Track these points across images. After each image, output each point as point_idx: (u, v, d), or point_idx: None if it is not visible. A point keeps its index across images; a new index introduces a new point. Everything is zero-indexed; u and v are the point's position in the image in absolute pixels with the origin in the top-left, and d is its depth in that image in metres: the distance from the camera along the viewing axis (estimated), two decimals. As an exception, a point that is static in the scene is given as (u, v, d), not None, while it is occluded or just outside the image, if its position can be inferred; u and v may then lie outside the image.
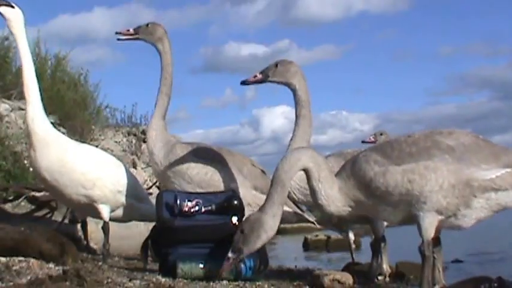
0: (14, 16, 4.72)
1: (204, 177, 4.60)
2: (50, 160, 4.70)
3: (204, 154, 4.70)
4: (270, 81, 4.38)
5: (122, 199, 4.94)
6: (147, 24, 4.90)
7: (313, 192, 3.68)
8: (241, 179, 4.65)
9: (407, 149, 3.59)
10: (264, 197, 3.85)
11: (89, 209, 4.94)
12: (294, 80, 4.32)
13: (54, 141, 4.77)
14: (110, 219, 4.92)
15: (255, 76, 4.41)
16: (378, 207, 3.69)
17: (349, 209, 3.72)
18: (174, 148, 4.72)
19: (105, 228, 4.88)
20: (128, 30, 4.93)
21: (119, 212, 5.00)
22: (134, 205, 5.04)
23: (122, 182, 4.95)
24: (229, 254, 3.60)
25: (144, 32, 4.89)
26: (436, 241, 3.77)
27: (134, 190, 5.01)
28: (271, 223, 3.57)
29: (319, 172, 3.64)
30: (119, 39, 4.96)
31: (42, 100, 4.79)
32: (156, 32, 4.86)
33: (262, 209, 3.60)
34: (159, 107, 4.82)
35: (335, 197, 3.67)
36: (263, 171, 4.83)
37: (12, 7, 4.74)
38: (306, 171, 3.67)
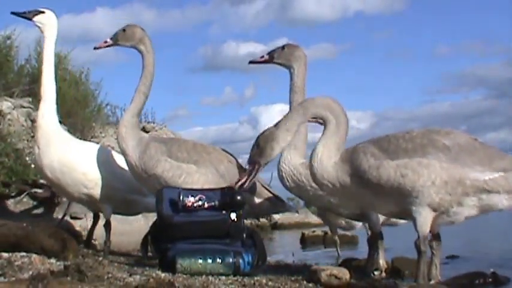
0: (47, 21, 4.95)
1: (177, 180, 4.54)
2: (51, 159, 4.75)
3: (178, 154, 4.63)
4: (275, 63, 4.62)
5: (125, 196, 4.97)
6: (124, 29, 4.79)
7: (314, 150, 3.80)
8: (217, 179, 4.60)
9: (403, 144, 3.65)
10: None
11: (92, 206, 5.00)
12: (296, 64, 4.52)
13: (57, 139, 4.82)
14: (116, 213, 4.98)
15: (262, 57, 4.67)
16: (366, 198, 3.78)
17: (331, 186, 3.79)
18: (148, 148, 4.63)
19: (107, 226, 4.92)
20: (106, 42, 4.83)
21: (124, 207, 5.05)
22: (138, 200, 5.08)
23: (125, 180, 4.96)
24: (247, 166, 3.87)
25: (122, 38, 4.78)
26: (436, 237, 3.84)
27: (137, 186, 5.03)
28: (283, 136, 3.76)
29: (331, 136, 3.75)
30: (95, 48, 4.88)
31: (39, 95, 4.90)
32: (135, 35, 4.76)
33: (276, 124, 3.77)
34: (135, 104, 4.73)
35: (326, 169, 3.74)
36: (241, 167, 4.77)
37: (43, 12, 4.92)
38: (324, 122, 3.78)
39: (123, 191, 4.96)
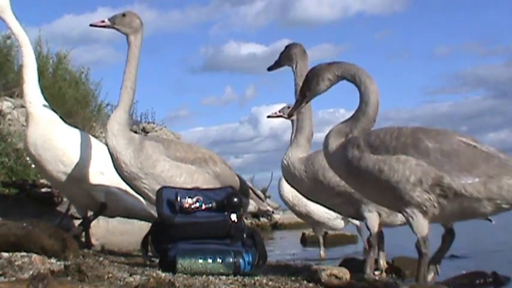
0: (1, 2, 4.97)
1: (177, 179, 4.54)
2: (35, 136, 4.90)
3: (176, 154, 4.63)
4: (282, 65, 4.89)
5: (107, 187, 5.00)
6: (123, 14, 4.71)
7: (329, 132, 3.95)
8: (213, 179, 4.66)
9: (388, 141, 3.65)
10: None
11: (82, 196, 5.03)
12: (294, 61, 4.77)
13: (44, 119, 4.96)
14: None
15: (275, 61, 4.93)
16: (358, 189, 3.89)
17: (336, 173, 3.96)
18: (144, 147, 4.57)
19: (100, 209, 5.04)
20: (103, 21, 4.75)
21: (108, 202, 5.06)
22: (118, 196, 5.09)
23: (105, 168, 4.99)
24: (299, 97, 4.05)
25: (120, 22, 4.70)
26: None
27: (118, 180, 4.96)
28: (328, 75, 3.89)
29: (354, 118, 3.84)
30: (92, 25, 4.79)
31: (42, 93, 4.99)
32: (132, 23, 4.69)
33: (331, 63, 3.91)
34: (123, 101, 4.66)
35: (331, 155, 3.85)
36: (233, 172, 4.93)
37: None
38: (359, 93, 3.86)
39: (102, 179, 4.99)
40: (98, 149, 5.08)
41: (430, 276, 3.87)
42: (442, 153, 3.57)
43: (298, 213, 6.93)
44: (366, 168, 3.63)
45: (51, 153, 4.90)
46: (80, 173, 4.92)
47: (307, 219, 6.94)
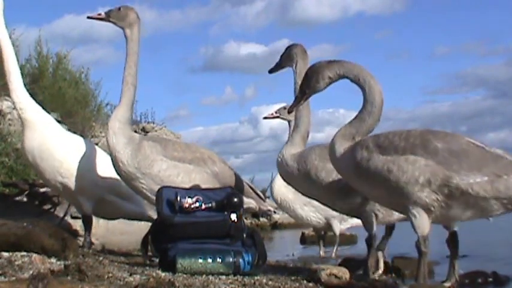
0: None
1: (175, 179, 4.55)
2: (32, 144, 4.84)
3: (174, 153, 4.64)
4: (283, 67, 4.91)
5: (102, 194, 4.96)
6: (119, 8, 4.71)
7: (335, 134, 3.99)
8: (212, 178, 4.68)
9: (397, 142, 3.66)
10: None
11: (72, 199, 5.01)
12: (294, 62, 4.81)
13: (41, 126, 4.88)
14: (94, 215, 5.00)
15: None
16: (366, 191, 3.87)
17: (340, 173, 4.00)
18: (142, 147, 4.57)
19: (86, 221, 4.96)
20: (99, 14, 4.75)
21: (102, 208, 5.04)
22: (116, 202, 5.06)
23: (103, 176, 4.97)
24: (298, 94, 4.09)
25: (115, 15, 4.70)
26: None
27: (117, 186, 5.02)
28: (328, 73, 3.93)
29: (357, 121, 3.88)
30: (88, 18, 4.80)
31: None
32: (127, 17, 4.68)
33: (331, 61, 3.95)
34: (126, 98, 4.65)
35: (336, 158, 3.87)
36: (232, 170, 4.97)
37: None
38: (363, 95, 3.87)
39: (101, 188, 4.95)
40: (98, 157, 5.04)
41: (449, 283, 3.86)
42: (451, 152, 3.58)
43: (289, 215, 6.95)
44: (375, 169, 3.64)
45: (49, 163, 4.84)
46: (77, 183, 4.87)
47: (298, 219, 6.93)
